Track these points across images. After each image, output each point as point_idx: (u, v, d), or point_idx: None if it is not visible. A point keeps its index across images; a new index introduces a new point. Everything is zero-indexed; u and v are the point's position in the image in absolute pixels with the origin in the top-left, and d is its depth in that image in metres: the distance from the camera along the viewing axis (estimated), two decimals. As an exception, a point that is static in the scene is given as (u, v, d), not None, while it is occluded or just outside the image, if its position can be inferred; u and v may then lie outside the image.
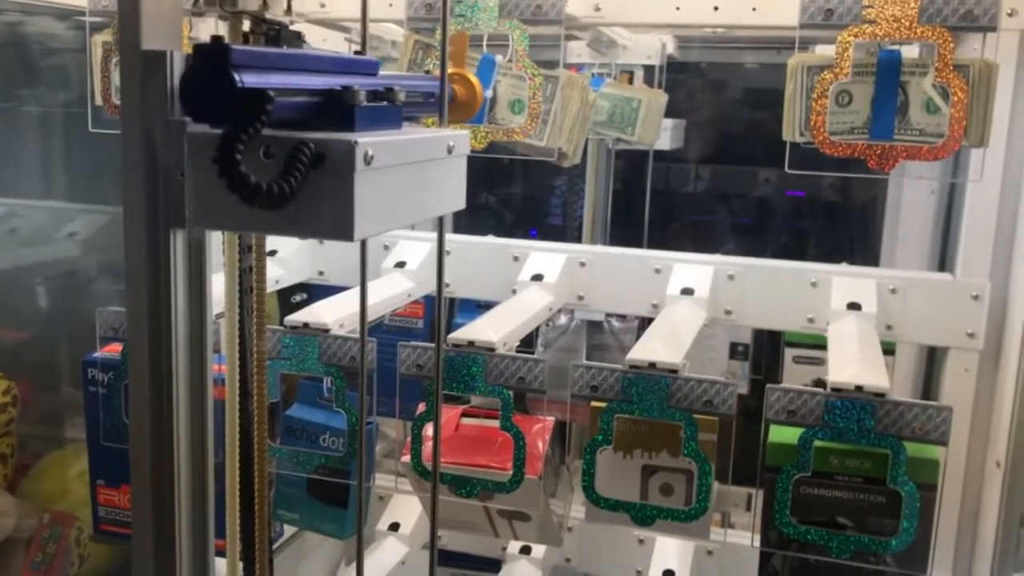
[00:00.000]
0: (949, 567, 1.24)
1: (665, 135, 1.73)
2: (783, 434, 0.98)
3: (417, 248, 1.36)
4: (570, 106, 1.05)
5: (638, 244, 1.87)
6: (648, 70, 1.66)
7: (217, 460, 0.73)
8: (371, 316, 1.25)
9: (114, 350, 1.12)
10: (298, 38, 0.72)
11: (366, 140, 0.60)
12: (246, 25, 0.72)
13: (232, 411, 0.76)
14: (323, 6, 1.35)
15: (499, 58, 1.05)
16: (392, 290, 1.30)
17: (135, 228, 0.65)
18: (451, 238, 1.39)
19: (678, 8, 1.22)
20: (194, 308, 0.68)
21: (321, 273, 1.44)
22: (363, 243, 0.90)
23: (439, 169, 0.72)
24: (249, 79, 0.59)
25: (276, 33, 0.69)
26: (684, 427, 0.99)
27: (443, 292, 0.99)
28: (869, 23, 0.92)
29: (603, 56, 1.54)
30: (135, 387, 0.66)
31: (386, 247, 1.39)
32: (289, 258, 1.39)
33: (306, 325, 1.09)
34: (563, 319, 1.64)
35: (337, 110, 0.64)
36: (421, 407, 1.10)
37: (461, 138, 0.75)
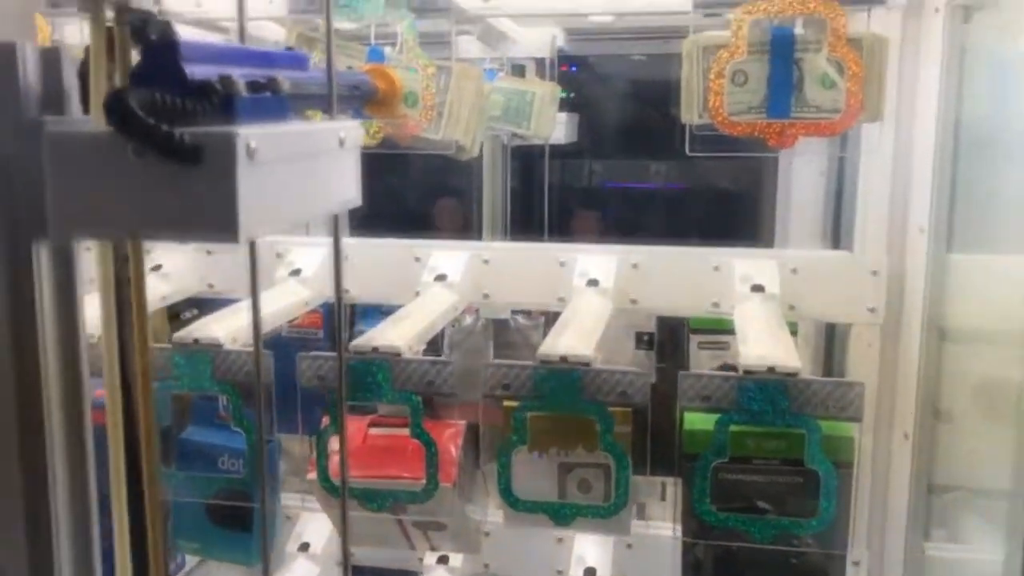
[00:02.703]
0: (863, 541, 1.26)
1: (559, 128, 1.71)
2: (698, 421, 0.97)
3: (311, 254, 1.30)
4: (465, 97, 1.02)
5: (538, 237, 1.85)
6: (541, 63, 1.65)
7: (103, 492, 0.67)
8: (266, 328, 1.19)
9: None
10: (168, 27, 0.66)
11: (248, 132, 0.55)
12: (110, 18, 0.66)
13: (116, 438, 0.70)
14: (199, 6, 1.28)
15: (388, 50, 1.01)
16: (287, 299, 1.24)
17: (-8, 241, 0.59)
18: (348, 242, 1.34)
19: (567, -4, 1.20)
20: (65, 328, 0.62)
21: (211, 286, 1.36)
22: (252, 247, 0.85)
23: (330, 162, 0.68)
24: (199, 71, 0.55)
25: (142, 24, 0.64)
26: (598, 421, 0.96)
27: (342, 297, 0.94)
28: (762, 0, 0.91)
29: (494, 50, 1.51)
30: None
31: (279, 255, 1.33)
32: (174, 272, 1.31)
33: (196, 341, 1.03)
34: (468, 320, 1.60)
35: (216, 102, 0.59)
36: (325, 420, 1.04)
37: (353, 129, 0.71)
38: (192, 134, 0.53)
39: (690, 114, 0.93)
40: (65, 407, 0.62)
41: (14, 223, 0.58)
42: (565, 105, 1.83)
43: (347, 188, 0.72)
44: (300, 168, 0.63)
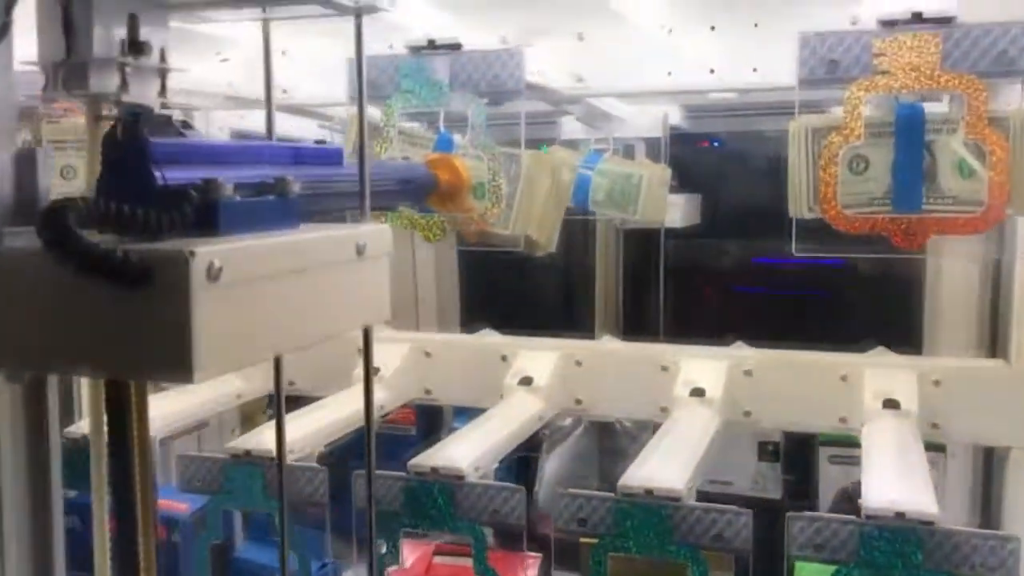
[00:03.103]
0: None
1: (676, 211, 1.58)
2: (812, 573, 0.81)
3: (393, 351, 1.21)
4: (537, 187, 0.91)
5: (654, 331, 1.70)
6: (652, 143, 1.53)
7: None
8: (336, 433, 1.10)
9: None
10: (169, 123, 0.59)
11: (212, 248, 0.46)
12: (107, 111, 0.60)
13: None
14: (285, 92, 1.24)
15: (458, 138, 0.91)
16: (361, 401, 1.15)
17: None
18: (431, 337, 1.25)
19: (669, 73, 1.09)
20: (33, 471, 0.54)
21: (292, 383, 1.29)
22: (278, 362, 0.76)
23: (343, 275, 0.58)
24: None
25: (135, 119, 0.56)
26: (691, 566, 0.82)
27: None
28: (882, 74, 0.77)
29: (597, 131, 1.40)
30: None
31: (360, 351, 1.24)
32: (251, 368, 1.25)
33: (248, 453, 0.95)
34: (568, 419, 1.47)
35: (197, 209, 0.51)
36: (383, 547, 0.94)
37: (378, 235, 0.61)
38: (141, 252, 0.45)
39: (798, 207, 0.80)
40: (32, 545, 0.54)
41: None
42: (687, 184, 1.71)
43: (369, 303, 0.62)
44: (293, 286, 0.53)
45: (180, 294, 0.44)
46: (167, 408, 1.11)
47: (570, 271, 1.82)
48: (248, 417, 1.58)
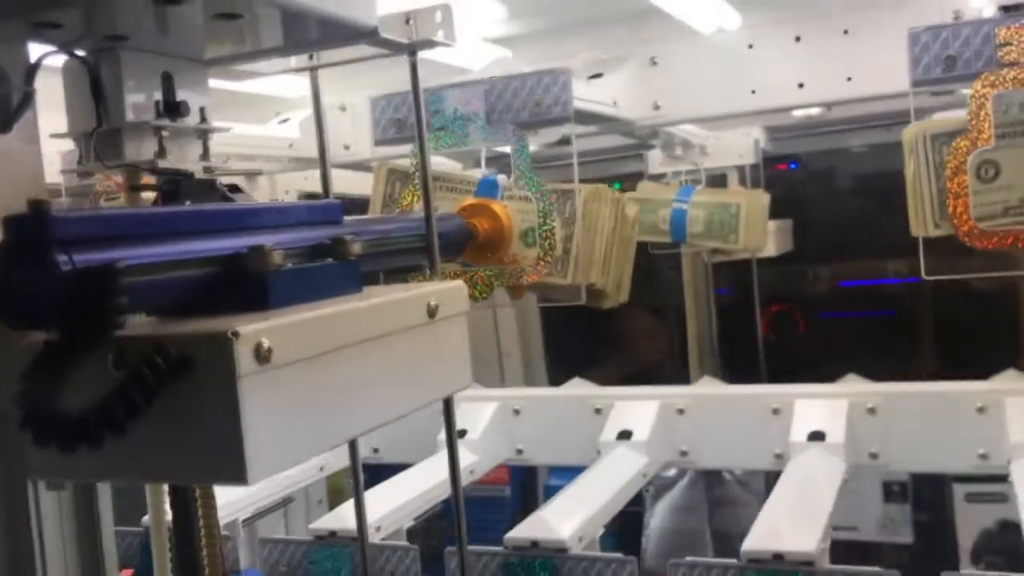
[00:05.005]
0: None
1: (769, 239, 1.49)
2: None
3: (479, 411, 1.14)
4: (598, 226, 0.82)
5: (755, 367, 1.60)
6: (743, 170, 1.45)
7: None
8: (424, 506, 1.03)
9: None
10: (212, 188, 0.53)
11: (260, 326, 0.39)
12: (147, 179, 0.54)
13: None
14: (347, 148, 1.19)
15: (503, 178, 0.83)
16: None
17: (-17, 479, 0.46)
18: (519, 393, 1.18)
19: (753, 92, 1.01)
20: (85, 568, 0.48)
21: (376, 451, 1.23)
22: (352, 443, 0.70)
23: (416, 343, 0.51)
24: (86, 257, 0.39)
25: (175, 186, 0.51)
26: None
27: (461, 493, 0.79)
28: (1010, 66, 0.67)
29: (681, 162, 1.33)
30: None
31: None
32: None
33: (334, 534, 0.88)
34: (672, 471, 1.38)
35: (243, 282, 0.44)
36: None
37: (451, 293, 0.54)
38: (175, 338, 0.38)
39: (922, 225, 0.70)
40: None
41: (7, 459, 0.45)
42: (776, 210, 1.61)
43: (448, 370, 0.55)
44: (358, 360, 0.46)
45: (224, 382, 0.38)
46: (247, 487, 1.06)
47: (657, 311, 1.72)
48: (335, 487, 1.52)
